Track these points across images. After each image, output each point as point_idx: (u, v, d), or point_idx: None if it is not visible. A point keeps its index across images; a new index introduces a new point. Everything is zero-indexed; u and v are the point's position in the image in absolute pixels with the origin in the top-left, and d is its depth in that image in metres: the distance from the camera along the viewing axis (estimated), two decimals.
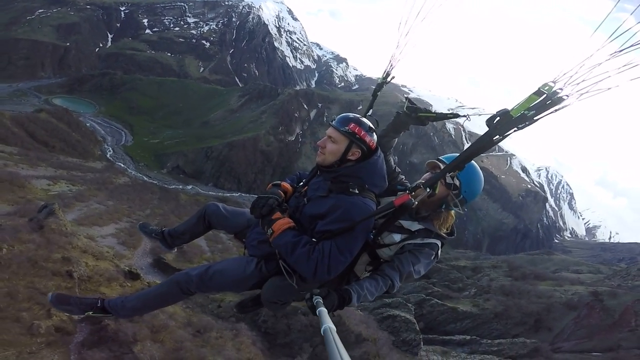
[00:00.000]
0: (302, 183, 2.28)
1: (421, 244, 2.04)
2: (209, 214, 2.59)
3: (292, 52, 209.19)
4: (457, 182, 2.10)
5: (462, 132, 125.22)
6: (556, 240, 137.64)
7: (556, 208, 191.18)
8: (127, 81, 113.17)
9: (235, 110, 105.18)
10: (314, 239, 1.94)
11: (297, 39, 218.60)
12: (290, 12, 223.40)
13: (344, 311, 11.17)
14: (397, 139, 2.44)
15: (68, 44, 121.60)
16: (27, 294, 5.44)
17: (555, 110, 1.51)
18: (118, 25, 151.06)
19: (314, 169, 2.21)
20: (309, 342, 8.88)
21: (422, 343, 15.57)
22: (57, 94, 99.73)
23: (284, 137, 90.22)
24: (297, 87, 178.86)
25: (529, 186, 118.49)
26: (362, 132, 1.99)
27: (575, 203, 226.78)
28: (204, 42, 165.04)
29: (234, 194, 72.90)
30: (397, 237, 2.08)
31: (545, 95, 1.47)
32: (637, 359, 16.26)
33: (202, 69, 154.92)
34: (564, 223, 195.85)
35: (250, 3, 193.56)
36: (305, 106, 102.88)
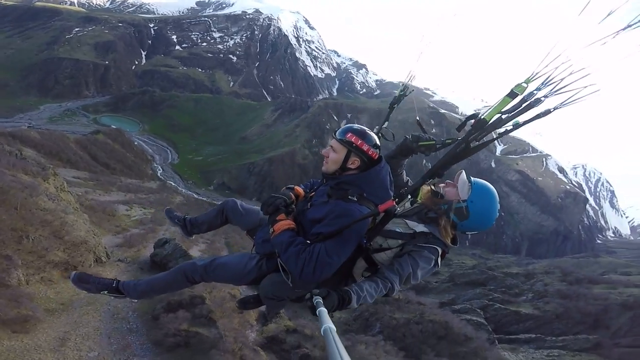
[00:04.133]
0: (312, 189, 2.40)
1: (421, 247, 2.04)
2: (227, 209, 2.76)
3: (312, 62, 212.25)
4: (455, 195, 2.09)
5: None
6: (599, 241, 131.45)
7: (596, 207, 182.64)
8: (165, 98, 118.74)
9: (270, 125, 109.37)
10: (308, 241, 2.01)
11: (316, 47, 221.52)
12: (306, 21, 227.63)
13: (449, 317, 13.55)
14: (406, 160, 2.49)
15: (107, 62, 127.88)
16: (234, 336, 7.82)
17: (539, 116, 1.45)
18: (149, 42, 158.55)
19: (322, 178, 2.30)
20: (426, 344, 11.38)
21: (496, 341, 17.59)
22: (103, 112, 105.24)
23: (318, 150, 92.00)
24: (320, 96, 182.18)
25: (568, 187, 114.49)
26: (360, 142, 2.06)
27: (617, 201, 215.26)
28: (230, 56, 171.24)
29: None
30: (400, 240, 2.10)
31: (520, 97, 1.42)
32: None
33: (231, 83, 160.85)
34: (606, 222, 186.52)
35: (269, 15, 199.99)
36: (335, 117, 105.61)
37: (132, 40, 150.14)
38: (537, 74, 1.40)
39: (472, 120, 1.67)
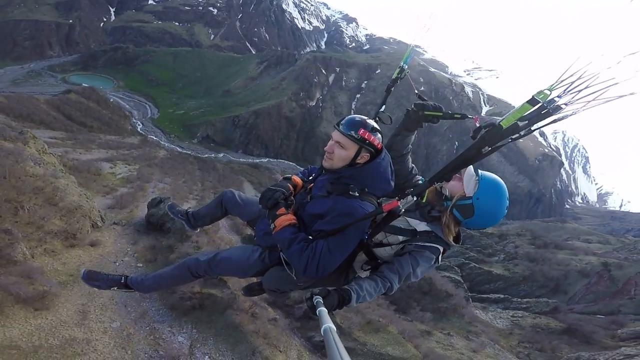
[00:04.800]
0: (310, 178, 2.35)
1: (422, 246, 1.99)
2: (226, 201, 2.73)
3: (300, 13, 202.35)
4: (448, 192, 2.03)
5: (480, 96, 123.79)
6: (567, 206, 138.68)
7: (570, 171, 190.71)
8: (140, 54, 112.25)
9: (255, 78, 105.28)
10: (310, 237, 1.99)
11: None
12: None
13: (433, 273, 14.48)
14: (412, 137, 2.36)
15: (71, 21, 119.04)
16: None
17: (555, 121, 1.45)
18: None
19: (321, 167, 2.24)
20: (412, 299, 12.32)
21: (471, 300, 18.94)
22: (72, 71, 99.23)
23: (305, 103, 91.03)
24: (308, 49, 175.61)
25: (546, 150, 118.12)
26: (372, 137, 1.98)
27: (590, 167, 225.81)
28: (211, 8, 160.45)
29: (262, 160, 75.54)
30: (401, 237, 2.05)
31: (540, 104, 1.41)
32: (631, 323, 18.39)
33: (212, 36, 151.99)
34: (577, 187, 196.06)
35: None
36: (323, 71, 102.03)
37: None
38: (562, 81, 1.38)
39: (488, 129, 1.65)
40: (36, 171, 7.79)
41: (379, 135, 2.03)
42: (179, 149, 64.25)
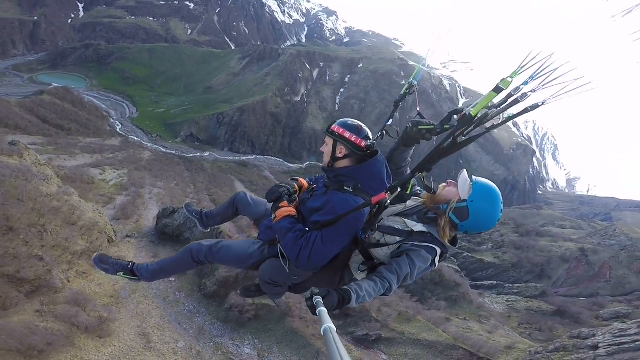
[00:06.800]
0: (316, 182, 2.52)
1: (419, 246, 2.01)
2: (238, 201, 2.89)
3: (279, 7, 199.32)
4: (434, 185, 2.10)
5: (457, 88, 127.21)
6: (539, 192, 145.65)
7: (541, 159, 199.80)
8: (113, 51, 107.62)
9: (237, 74, 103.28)
10: (307, 229, 2.10)
11: None
12: None
13: (441, 265, 15.61)
14: (410, 152, 2.45)
15: (35, 18, 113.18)
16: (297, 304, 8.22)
17: (527, 110, 1.45)
18: None
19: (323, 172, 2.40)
20: (426, 289, 13.42)
21: (470, 287, 20.31)
22: (39, 71, 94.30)
23: (290, 98, 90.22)
24: (288, 43, 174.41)
25: (519, 139, 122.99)
26: (341, 130, 2.19)
27: (559, 154, 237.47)
28: (187, 2, 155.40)
29: (249, 157, 74.90)
30: (398, 237, 2.08)
31: (507, 92, 1.41)
32: (610, 304, 20.54)
33: (189, 31, 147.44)
34: (547, 174, 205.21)
35: None
36: (307, 66, 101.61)
37: None
38: (523, 67, 1.42)
39: (457, 116, 1.73)
40: (49, 190, 7.51)
41: (362, 136, 2.21)
42: (162, 149, 63.01)
